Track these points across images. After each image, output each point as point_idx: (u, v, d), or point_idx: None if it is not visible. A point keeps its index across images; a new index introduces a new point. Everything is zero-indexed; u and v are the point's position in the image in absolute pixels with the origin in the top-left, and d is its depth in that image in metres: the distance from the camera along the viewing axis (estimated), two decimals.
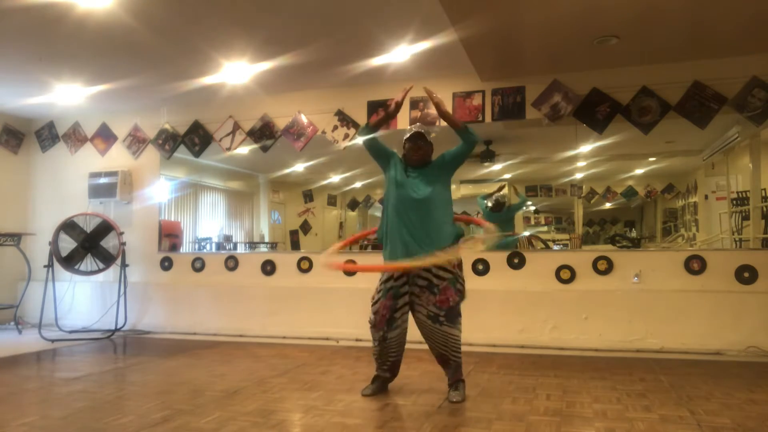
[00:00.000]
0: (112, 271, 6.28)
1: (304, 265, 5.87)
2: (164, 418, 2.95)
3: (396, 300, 3.25)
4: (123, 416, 3.00)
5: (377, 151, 3.45)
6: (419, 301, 3.24)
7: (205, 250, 7.02)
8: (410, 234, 3.23)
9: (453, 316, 3.23)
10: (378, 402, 3.25)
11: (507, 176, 6.43)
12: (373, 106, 5.61)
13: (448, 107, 5.19)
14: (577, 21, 4.08)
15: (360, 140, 3.50)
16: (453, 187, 3.49)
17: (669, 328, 4.71)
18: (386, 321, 3.25)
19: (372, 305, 3.32)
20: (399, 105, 3.38)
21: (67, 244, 5.98)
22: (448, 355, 3.28)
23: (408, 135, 3.39)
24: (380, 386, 3.42)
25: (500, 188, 6.37)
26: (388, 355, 3.36)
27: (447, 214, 3.35)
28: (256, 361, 4.56)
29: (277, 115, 6.02)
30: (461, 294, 3.28)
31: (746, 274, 4.65)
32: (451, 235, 3.29)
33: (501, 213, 6.30)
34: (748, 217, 5.34)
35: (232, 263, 6.15)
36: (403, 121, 5.44)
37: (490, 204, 6.37)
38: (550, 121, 5.15)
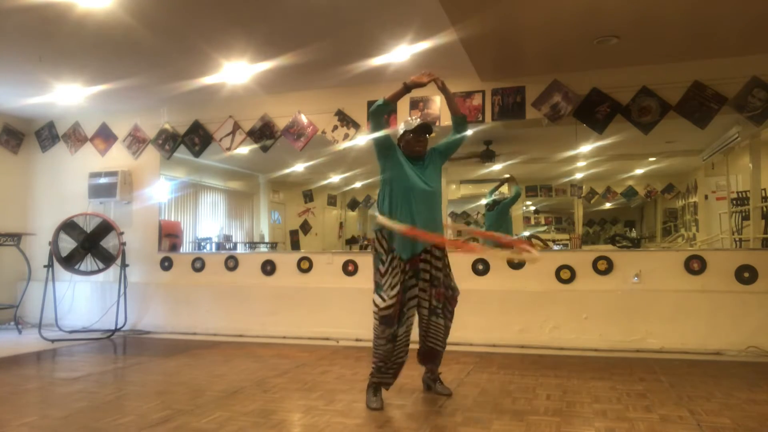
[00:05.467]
0: (112, 271, 6.27)
1: (304, 265, 5.87)
2: (164, 418, 2.95)
3: (405, 294, 3.17)
4: (123, 416, 3.00)
5: (386, 146, 3.24)
6: (425, 295, 3.24)
7: (205, 250, 7.02)
8: (422, 224, 3.18)
9: (449, 308, 3.30)
10: None
11: (506, 175, 6.42)
12: None
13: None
14: (577, 21, 4.08)
15: (364, 138, 3.37)
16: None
17: (669, 328, 4.71)
18: (397, 317, 3.12)
19: (385, 299, 3.09)
20: (420, 85, 3.19)
21: (67, 244, 5.98)
22: (437, 349, 3.32)
23: (413, 127, 3.28)
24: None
25: (503, 182, 6.26)
26: (396, 356, 3.17)
27: (440, 205, 3.44)
28: (256, 361, 4.56)
29: (277, 115, 6.02)
30: (455, 288, 3.36)
31: (746, 274, 4.65)
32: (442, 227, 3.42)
33: (492, 211, 6.28)
34: (748, 217, 5.34)
35: (232, 263, 6.15)
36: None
37: (484, 200, 6.36)
38: (550, 121, 5.15)
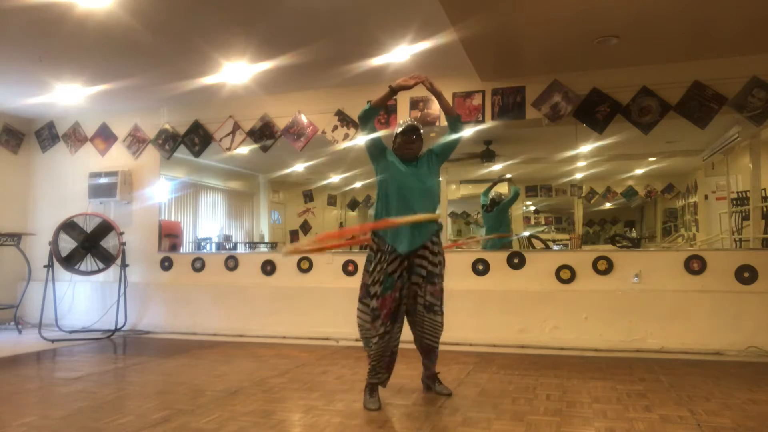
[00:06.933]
0: (112, 271, 6.28)
1: (304, 265, 5.87)
2: (164, 418, 2.95)
3: (401, 291, 3.18)
4: (123, 416, 3.00)
5: (377, 148, 3.30)
6: (420, 291, 3.24)
7: (205, 250, 7.01)
8: (415, 223, 3.18)
9: (442, 305, 3.30)
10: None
11: (508, 176, 6.42)
12: None
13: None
14: (577, 21, 4.08)
15: (362, 138, 3.35)
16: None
17: (669, 328, 4.71)
18: (391, 315, 3.14)
19: (370, 298, 3.15)
20: (406, 87, 3.20)
21: (67, 244, 5.98)
22: (433, 345, 3.32)
23: (401, 128, 3.31)
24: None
25: (495, 182, 6.27)
26: (387, 353, 3.19)
27: (438, 207, 3.43)
28: (256, 361, 4.56)
29: (277, 115, 6.02)
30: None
31: (746, 274, 4.65)
32: (439, 227, 3.40)
33: (491, 212, 6.28)
34: (748, 217, 5.34)
35: (232, 263, 6.15)
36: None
37: (482, 200, 6.35)
38: (550, 121, 5.15)
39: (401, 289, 3.19)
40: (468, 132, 5.37)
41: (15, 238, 6.27)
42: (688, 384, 3.61)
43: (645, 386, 3.57)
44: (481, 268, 5.29)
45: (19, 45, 4.67)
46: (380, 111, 3.34)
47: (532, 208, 6.93)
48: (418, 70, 5.12)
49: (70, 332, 6.06)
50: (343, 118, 5.75)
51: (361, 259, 5.67)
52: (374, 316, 3.15)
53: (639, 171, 6.54)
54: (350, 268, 5.69)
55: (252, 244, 7.57)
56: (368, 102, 3.27)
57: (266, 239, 7.62)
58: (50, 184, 6.99)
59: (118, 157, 6.66)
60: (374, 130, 3.30)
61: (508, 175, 6.28)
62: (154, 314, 6.27)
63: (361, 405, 3.16)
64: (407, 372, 3.82)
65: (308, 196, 7.75)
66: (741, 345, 4.52)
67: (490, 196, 6.26)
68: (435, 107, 5.45)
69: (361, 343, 3.29)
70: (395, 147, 3.35)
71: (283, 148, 6.05)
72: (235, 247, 7.39)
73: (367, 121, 3.25)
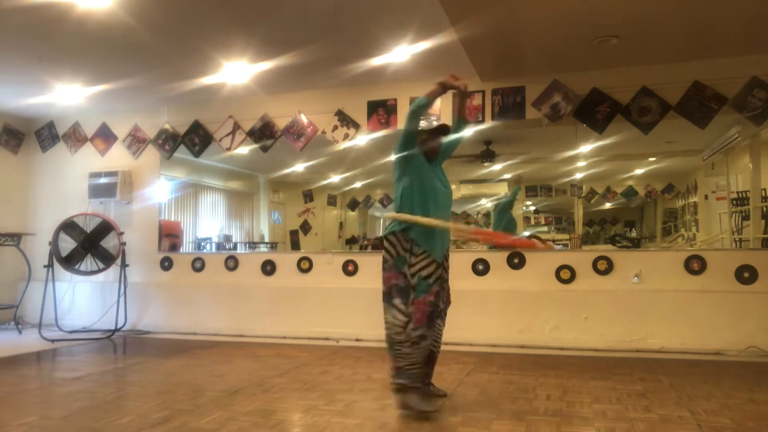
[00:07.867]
0: (112, 271, 6.27)
1: (304, 265, 5.86)
2: (164, 418, 2.95)
3: (436, 296, 3.05)
4: (123, 416, 3.00)
5: (413, 144, 3.17)
6: (442, 296, 3.22)
7: (205, 250, 7.02)
8: (444, 229, 3.15)
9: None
10: (378, 402, 3.25)
11: (507, 176, 6.43)
12: (373, 106, 5.62)
13: (449, 106, 5.16)
14: (577, 21, 4.08)
15: (408, 127, 3.19)
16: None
17: (669, 328, 4.71)
18: (427, 319, 2.98)
19: (405, 300, 3.02)
20: (455, 87, 3.18)
21: (67, 244, 5.98)
22: (437, 352, 3.29)
23: (433, 127, 3.26)
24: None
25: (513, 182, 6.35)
26: (422, 358, 3.02)
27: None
28: (256, 361, 4.56)
29: (277, 115, 6.02)
30: None
31: (746, 274, 4.65)
32: None
33: (494, 212, 6.31)
34: (748, 217, 5.34)
35: (232, 263, 6.15)
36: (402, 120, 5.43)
37: (489, 203, 6.40)
38: (550, 121, 5.15)
39: (437, 294, 3.04)
40: (468, 132, 5.36)
41: (15, 238, 6.27)
42: (688, 384, 3.61)
43: (645, 386, 3.56)
44: (481, 268, 5.29)
45: (19, 45, 4.67)
46: (432, 105, 3.23)
47: (532, 208, 6.94)
48: (419, 70, 5.13)
49: (70, 332, 6.06)
50: (343, 118, 5.75)
51: (360, 260, 5.68)
52: (430, 317, 2.98)
53: (639, 171, 6.54)
54: (350, 268, 5.68)
55: (252, 244, 7.57)
56: (424, 97, 3.11)
57: (266, 239, 7.62)
58: (50, 184, 6.99)
59: (118, 157, 6.66)
60: (418, 125, 3.19)
61: (507, 175, 6.29)
62: (154, 314, 6.27)
63: (361, 405, 3.16)
64: None
65: (308, 196, 7.75)
66: (741, 345, 4.52)
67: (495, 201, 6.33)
68: (435, 106, 5.43)
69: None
70: (419, 144, 3.22)
71: (283, 148, 6.05)
72: (235, 247, 7.39)
73: (419, 115, 3.14)
